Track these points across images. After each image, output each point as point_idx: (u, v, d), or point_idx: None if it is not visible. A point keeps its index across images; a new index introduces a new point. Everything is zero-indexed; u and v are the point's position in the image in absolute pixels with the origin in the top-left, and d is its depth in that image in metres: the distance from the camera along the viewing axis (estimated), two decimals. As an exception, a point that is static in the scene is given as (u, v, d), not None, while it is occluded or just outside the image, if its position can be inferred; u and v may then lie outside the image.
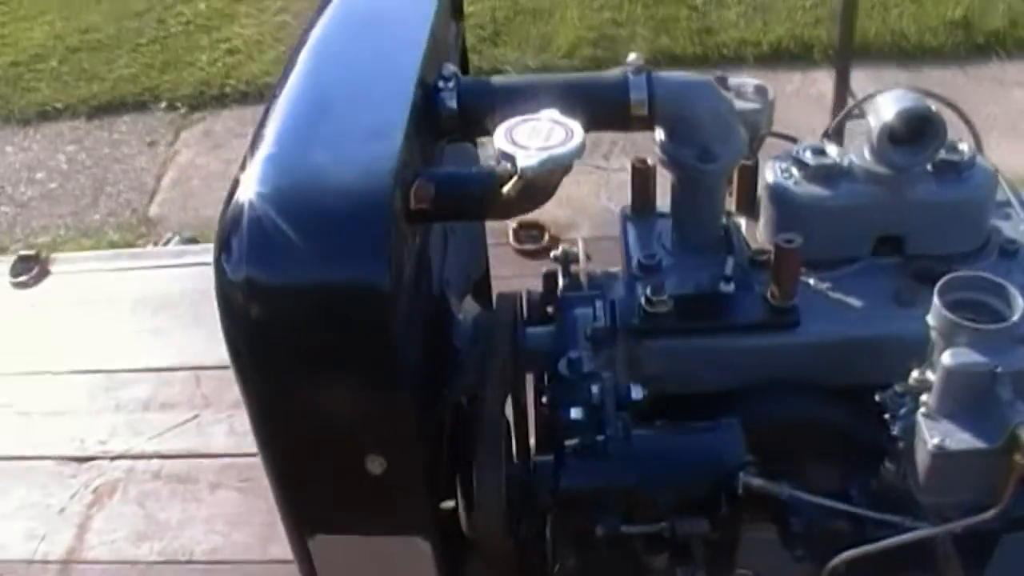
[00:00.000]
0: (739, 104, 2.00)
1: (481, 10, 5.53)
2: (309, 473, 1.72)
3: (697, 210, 2.01)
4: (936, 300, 1.64)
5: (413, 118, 1.70)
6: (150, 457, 3.42)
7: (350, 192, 1.57)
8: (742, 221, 2.11)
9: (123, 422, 3.54)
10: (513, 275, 3.30)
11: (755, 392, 1.90)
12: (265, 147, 1.66)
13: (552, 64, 5.20)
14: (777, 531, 1.84)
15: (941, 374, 1.60)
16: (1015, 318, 1.61)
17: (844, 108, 2.25)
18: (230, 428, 3.36)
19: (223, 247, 1.56)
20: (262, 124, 1.72)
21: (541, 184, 1.62)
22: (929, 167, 1.94)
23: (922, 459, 1.63)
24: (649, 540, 1.71)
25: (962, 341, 1.61)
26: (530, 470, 1.76)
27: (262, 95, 5.13)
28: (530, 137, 1.62)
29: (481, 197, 1.67)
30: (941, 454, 1.59)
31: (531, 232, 3.91)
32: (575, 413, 1.81)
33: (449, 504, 1.84)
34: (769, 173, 1.98)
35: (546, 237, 3.92)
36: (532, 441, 2.11)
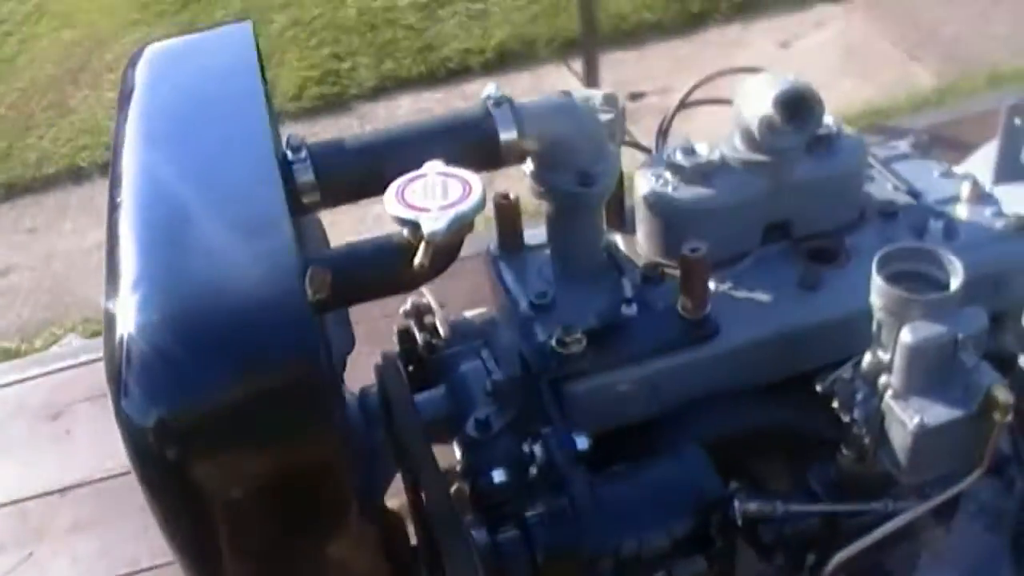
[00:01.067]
0: (590, 116, 1.95)
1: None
2: None
3: (580, 237, 1.95)
4: (877, 278, 1.62)
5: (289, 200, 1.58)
6: (-9, 616, 3.11)
7: (256, 293, 1.44)
8: (617, 237, 2.05)
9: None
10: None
11: (689, 412, 1.84)
12: (130, 269, 1.50)
13: (284, 109, 5.05)
14: (751, 546, 1.80)
15: (903, 352, 1.58)
16: (958, 283, 1.61)
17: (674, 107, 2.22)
18: (73, 558, 3.08)
19: (121, 392, 1.39)
20: (113, 242, 1.56)
21: (449, 247, 1.52)
22: (803, 147, 1.93)
23: (901, 440, 1.61)
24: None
25: (916, 315, 1.59)
26: (498, 550, 1.66)
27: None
28: (426, 197, 1.51)
29: (385, 274, 1.55)
30: (923, 432, 1.57)
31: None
32: (498, 476, 1.72)
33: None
34: (643, 183, 1.94)
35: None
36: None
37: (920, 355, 1.57)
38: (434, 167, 1.56)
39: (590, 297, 1.92)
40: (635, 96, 4.75)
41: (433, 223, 1.46)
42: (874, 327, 1.66)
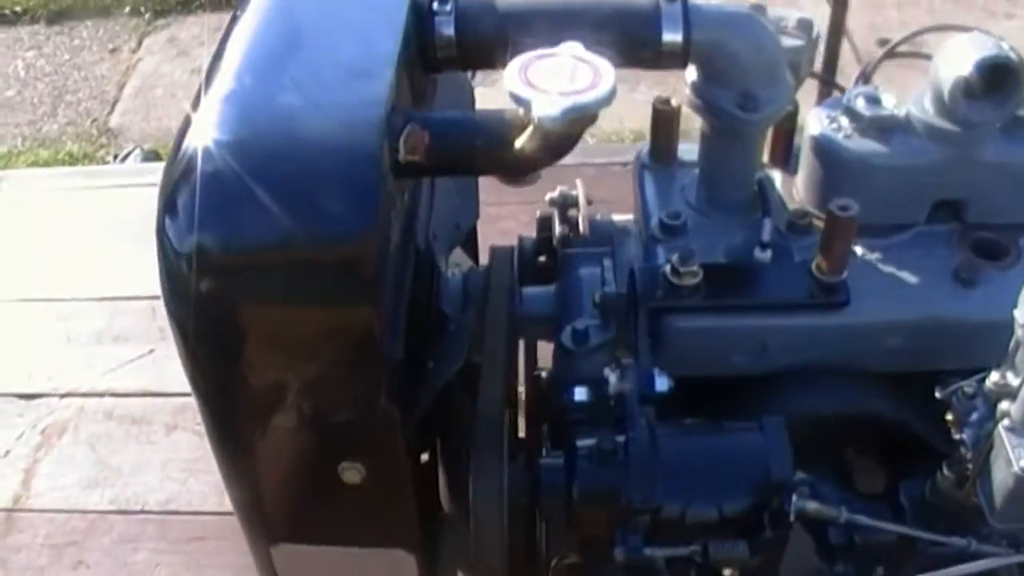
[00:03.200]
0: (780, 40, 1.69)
1: None
2: (272, 477, 1.42)
3: (731, 164, 1.70)
4: (1026, 292, 1.34)
5: (404, 51, 1.38)
6: (102, 395, 3.10)
7: (331, 143, 1.26)
8: (776, 175, 1.79)
9: (73, 356, 3.20)
10: (491, 203, 2.98)
11: (795, 379, 1.60)
12: (225, 82, 1.34)
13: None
14: (812, 542, 1.56)
15: (1029, 383, 1.31)
16: (1122, 322, 1.32)
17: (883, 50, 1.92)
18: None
19: (167, 209, 1.24)
20: (220, 51, 1.40)
21: (561, 136, 1.31)
22: (999, 124, 1.63)
23: (1002, 481, 1.35)
24: (674, 564, 1.42)
25: (1060, 344, 1.31)
26: (537, 474, 1.46)
27: (230, 2, 4.77)
28: (549, 78, 1.30)
29: (488, 150, 1.35)
30: (1026, 477, 1.30)
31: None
32: (580, 394, 1.53)
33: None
34: (815, 123, 1.67)
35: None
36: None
37: (1048, 392, 1.30)
38: (570, 48, 1.35)
39: (726, 231, 1.69)
40: (883, 42, 4.34)
41: (546, 107, 1.25)
42: (1012, 344, 1.39)
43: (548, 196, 2.04)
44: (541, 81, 1.30)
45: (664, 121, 1.79)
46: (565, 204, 2.01)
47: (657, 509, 1.39)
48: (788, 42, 1.70)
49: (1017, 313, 1.36)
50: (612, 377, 1.49)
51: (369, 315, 1.25)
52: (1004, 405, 1.37)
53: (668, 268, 1.56)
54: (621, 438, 1.42)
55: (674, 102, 1.77)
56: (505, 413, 1.51)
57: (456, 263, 1.87)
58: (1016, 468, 1.31)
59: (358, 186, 1.23)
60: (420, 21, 1.52)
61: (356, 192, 1.23)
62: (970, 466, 1.42)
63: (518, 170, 1.42)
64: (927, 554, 1.48)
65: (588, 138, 3.70)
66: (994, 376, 1.40)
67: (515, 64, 1.31)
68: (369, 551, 1.50)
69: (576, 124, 1.30)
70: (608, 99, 1.28)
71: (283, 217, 1.21)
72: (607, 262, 1.76)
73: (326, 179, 1.23)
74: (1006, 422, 1.35)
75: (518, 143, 1.30)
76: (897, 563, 1.51)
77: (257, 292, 1.25)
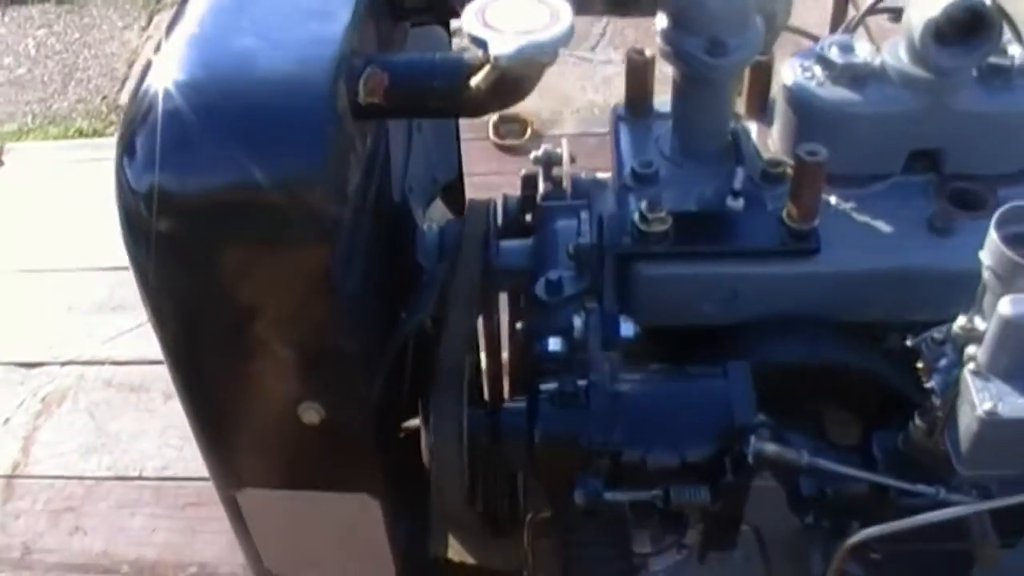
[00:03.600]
0: (753, -9, 1.65)
1: None
2: (234, 419, 1.41)
3: (702, 112, 1.67)
4: (993, 233, 1.30)
5: None
6: (102, 363, 3.08)
7: (283, 81, 1.25)
8: (752, 126, 1.76)
9: (74, 325, 3.19)
10: (491, 172, 2.96)
11: (765, 328, 1.57)
12: (185, 26, 1.33)
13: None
14: (784, 492, 1.53)
15: (997, 324, 1.27)
16: (1090, 259, 1.28)
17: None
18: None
19: (126, 148, 1.23)
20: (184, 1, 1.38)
21: (518, 76, 1.30)
22: (975, 72, 1.59)
23: (967, 424, 1.31)
24: (637, 508, 1.39)
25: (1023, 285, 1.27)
26: (497, 417, 1.43)
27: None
28: (507, 19, 1.29)
29: (445, 90, 1.34)
30: (991, 421, 1.27)
31: (512, 126, 3.52)
32: (553, 344, 1.49)
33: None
34: (788, 72, 1.64)
35: (528, 132, 3.53)
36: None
37: (1014, 332, 1.26)
38: None
39: (699, 180, 1.66)
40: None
41: (502, 46, 1.23)
42: (979, 288, 1.35)
43: (533, 155, 2.02)
44: (498, 22, 1.29)
45: (638, 72, 1.75)
46: (549, 162, 1.99)
47: (617, 453, 1.36)
48: (760, -10, 1.67)
49: (983, 255, 1.33)
50: (577, 322, 1.46)
51: (322, 251, 1.23)
52: (971, 349, 1.33)
53: (636, 215, 1.53)
54: (583, 382, 1.39)
55: (648, 53, 1.74)
56: (467, 357, 1.49)
57: (434, 218, 1.85)
58: (980, 411, 1.27)
59: (308, 122, 1.21)
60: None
61: (306, 128, 1.21)
62: (939, 414, 1.38)
63: (476, 111, 1.39)
64: (900, 506, 1.44)
65: (595, 110, 3.67)
66: (961, 320, 1.36)
67: (473, 6, 1.30)
68: (334, 496, 1.47)
69: (532, 64, 1.28)
70: (564, 39, 1.27)
71: (237, 155, 1.20)
72: (584, 214, 1.73)
73: (278, 116, 1.22)
74: (971, 366, 1.31)
75: (473, 81, 1.28)
76: (871, 515, 1.47)
77: (213, 230, 1.24)
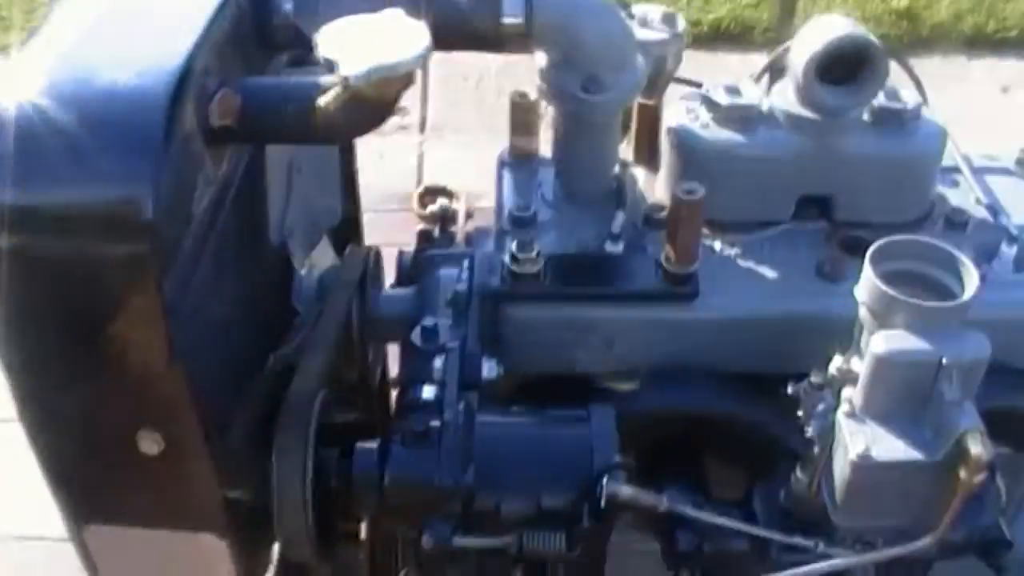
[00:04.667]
0: (643, 33, 1.56)
1: None
2: (75, 448, 1.28)
3: (583, 153, 1.57)
4: (868, 268, 1.20)
5: (225, 17, 1.29)
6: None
7: (121, 95, 1.16)
8: (640, 172, 1.66)
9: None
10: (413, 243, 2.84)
11: (642, 378, 1.45)
12: (42, 36, 1.24)
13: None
14: (660, 548, 1.40)
15: (871, 363, 1.17)
16: (967, 296, 1.18)
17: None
18: None
19: None
20: (46, 16, 1.29)
21: (371, 98, 1.19)
22: (866, 116, 1.51)
23: (841, 470, 1.20)
24: (492, 556, 1.26)
25: (899, 322, 1.18)
26: (349, 458, 1.31)
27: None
28: (362, 41, 1.20)
29: (298, 113, 1.24)
30: (865, 465, 1.16)
31: (437, 198, 3.40)
32: (427, 392, 1.37)
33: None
34: (673, 115, 1.54)
35: (456, 204, 3.41)
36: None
37: (888, 371, 1.17)
38: (391, 13, 1.23)
39: (579, 224, 1.55)
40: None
41: (352, 66, 1.13)
42: (856, 328, 1.25)
43: (429, 209, 1.93)
44: (353, 44, 1.20)
45: (522, 115, 1.65)
46: (444, 217, 1.89)
47: (469, 496, 1.23)
48: (651, 35, 1.58)
49: (858, 292, 1.22)
50: (438, 363, 1.34)
51: (151, 269, 1.12)
52: (847, 391, 1.23)
53: (507, 256, 1.42)
54: (437, 423, 1.27)
55: (532, 95, 1.64)
56: (319, 394, 1.36)
57: (317, 265, 1.74)
58: (853, 455, 1.16)
59: (142, 137, 1.11)
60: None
61: (140, 143, 1.12)
62: (818, 462, 1.27)
63: (331, 135, 1.29)
64: (781, 563, 1.32)
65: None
66: (837, 362, 1.26)
67: (329, 28, 1.22)
68: (179, 535, 1.33)
69: (386, 85, 1.18)
70: (416, 60, 1.18)
71: (72, 167, 1.10)
72: (467, 262, 1.62)
73: (112, 129, 1.13)
74: (846, 407, 1.20)
75: (322, 100, 1.18)
76: (750, 573, 1.35)
77: (48, 245, 1.13)
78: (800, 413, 1.29)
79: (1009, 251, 1.52)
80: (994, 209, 1.59)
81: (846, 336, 1.30)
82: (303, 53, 1.52)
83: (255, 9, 1.41)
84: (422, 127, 4.00)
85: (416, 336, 1.51)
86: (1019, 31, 4.64)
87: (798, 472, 1.34)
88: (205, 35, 1.23)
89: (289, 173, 1.61)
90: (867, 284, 1.20)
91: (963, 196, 1.62)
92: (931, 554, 1.31)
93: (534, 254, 1.41)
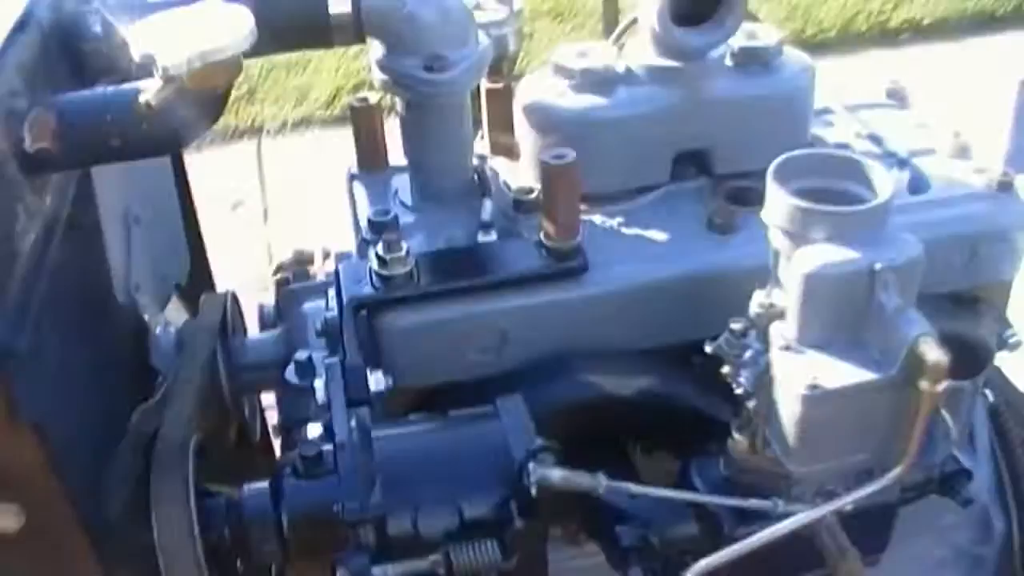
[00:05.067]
0: (480, 15, 1.44)
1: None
2: None
3: (437, 145, 1.42)
4: (774, 187, 1.07)
5: (24, 42, 1.15)
6: None
7: None
8: (500, 164, 1.52)
9: None
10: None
11: (541, 370, 1.29)
12: None
13: (314, 115, 4.55)
14: (603, 549, 1.24)
15: (799, 286, 1.05)
16: (884, 196, 1.06)
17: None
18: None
19: None
20: None
21: (197, 90, 1.03)
22: (728, 61, 1.39)
23: (789, 410, 1.06)
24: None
25: (820, 237, 1.04)
26: (237, 502, 1.12)
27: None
28: (179, 31, 1.07)
29: (119, 124, 1.10)
30: (815, 397, 1.03)
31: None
32: (314, 430, 1.19)
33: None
34: (523, 91, 1.41)
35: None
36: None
37: (821, 289, 1.04)
38: (207, 2, 1.11)
39: (444, 222, 1.40)
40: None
41: (172, 56, 1.01)
42: (771, 258, 1.12)
43: (279, 263, 1.77)
44: (170, 35, 1.07)
45: (366, 121, 1.50)
46: (301, 262, 1.74)
47: (380, 520, 1.05)
48: (487, 16, 1.46)
49: (766, 216, 1.10)
50: (318, 383, 1.17)
51: None
52: (774, 328, 1.09)
53: (374, 260, 1.26)
54: (328, 447, 1.09)
55: (371, 99, 1.49)
56: (191, 439, 1.17)
57: (172, 322, 1.56)
58: (800, 388, 1.02)
59: None
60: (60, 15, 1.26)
61: None
62: (757, 414, 1.13)
63: (159, 143, 1.13)
64: (739, 538, 1.17)
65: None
66: (758, 298, 1.12)
67: (142, 24, 1.08)
68: None
69: (212, 74, 1.03)
70: (241, 43, 1.06)
71: None
72: (331, 291, 1.46)
73: None
74: (779, 342, 1.07)
75: (143, 97, 1.03)
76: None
77: None
78: (725, 370, 1.15)
79: (902, 176, 1.41)
80: (876, 138, 1.49)
81: (747, 290, 1.17)
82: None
83: (62, 33, 1.27)
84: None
85: (291, 373, 1.34)
86: (837, 32, 4.70)
87: (735, 435, 1.19)
88: (9, 55, 1.07)
89: (126, 225, 1.45)
90: (777, 204, 1.07)
91: (842, 132, 1.52)
92: (895, 496, 1.18)
93: (403, 252, 1.25)
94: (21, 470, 1.00)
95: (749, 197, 1.38)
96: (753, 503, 1.11)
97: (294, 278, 1.72)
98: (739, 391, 1.14)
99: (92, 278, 1.27)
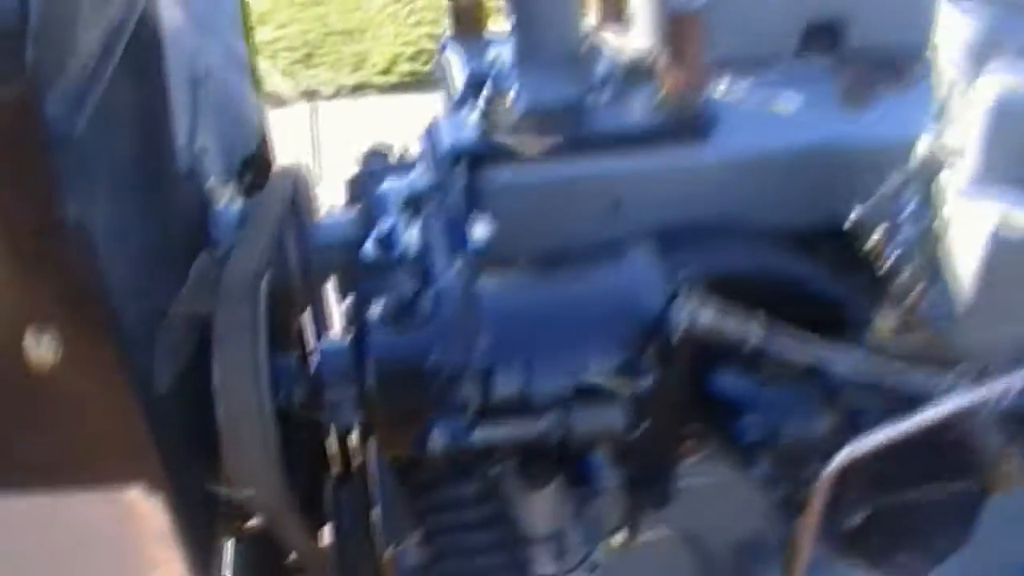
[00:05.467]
0: None
1: (292, 32, 4.71)
2: None
3: (543, 5, 1.25)
4: (950, 8, 0.92)
5: None
6: None
7: None
8: (610, 37, 1.36)
9: None
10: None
11: (662, 240, 1.13)
12: None
13: (371, 82, 4.41)
14: (724, 446, 1.09)
15: (987, 116, 0.88)
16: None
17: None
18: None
19: None
20: None
21: None
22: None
23: (969, 260, 0.90)
24: (526, 459, 0.92)
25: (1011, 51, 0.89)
26: (314, 362, 0.97)
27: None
28: None
29: None
30: (1007, 240, 0.86)
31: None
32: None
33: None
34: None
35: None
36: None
37: (1011, 117, 0.86)
38: None
39: (553, 81, 1.24)
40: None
41: None
42: (943, 95, 0.96)
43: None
44: None
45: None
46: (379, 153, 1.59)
47: (487, 375, 0.89)
48: None
49: (940, 39, 0.94)
50: (414, 231, 1.02)
51: (24, 92, 0.79)
52: (948, 171, 0.93)
53: (479, 108, 1.11)
54: (425, 295, 0.94)
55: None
56: (264, 275, 1.01)
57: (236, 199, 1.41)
58: (988, 231, 0.86)
59: None
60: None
61: None
62: (912, 291, 0.97)
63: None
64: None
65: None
66: (926, 142, 0.96)
67: None
68: (92, 502, 0.95)
69: None
70: None
71: None
72: (420, 166, 1.30)
73: None
74: (959, 182, 0.91)
75: None
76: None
77: None
78: (873, 239, 1.00)
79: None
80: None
81: (882, 169, 1.02)
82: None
83: None
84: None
85: (370, 248, 1.18)
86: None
87: (879, 323, 1.03)
88: None
89: (193, 90, 1.29)
90: (957, 24, 0.91)
91: None
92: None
93: (507, 105, 1.10)
94: (60, 283, 0.85)
95: (885, 72, 1.23)
96: (916, 378, 0.95)
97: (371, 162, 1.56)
98: (889, 263, 0.99)
99: (153, 115, 1.12)
